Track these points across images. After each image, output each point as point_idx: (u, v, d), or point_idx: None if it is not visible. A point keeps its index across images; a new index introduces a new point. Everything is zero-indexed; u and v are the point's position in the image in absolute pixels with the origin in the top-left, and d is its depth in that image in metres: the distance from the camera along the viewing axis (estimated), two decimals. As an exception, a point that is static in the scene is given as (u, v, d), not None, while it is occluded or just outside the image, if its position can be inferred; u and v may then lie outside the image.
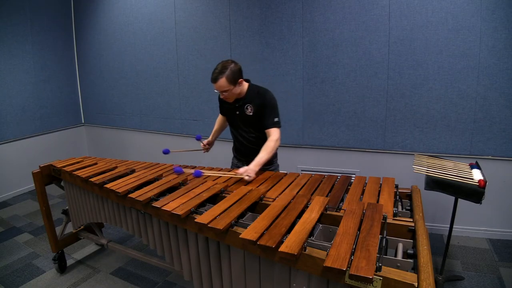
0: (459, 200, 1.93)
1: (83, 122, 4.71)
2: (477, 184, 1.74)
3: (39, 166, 2.31)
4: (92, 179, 1.87)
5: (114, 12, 3.99)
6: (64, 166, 2.20)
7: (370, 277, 0.86)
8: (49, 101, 4.20)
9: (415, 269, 0.95)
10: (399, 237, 1.16)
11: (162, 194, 1.62)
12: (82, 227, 2.52)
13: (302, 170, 3.13)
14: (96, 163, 2.26)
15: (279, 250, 1.01)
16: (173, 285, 2.25)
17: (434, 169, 1.92)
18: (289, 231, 1.12)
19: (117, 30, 4.01)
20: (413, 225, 1.16)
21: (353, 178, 1.70)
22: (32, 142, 4.02)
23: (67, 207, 2.42)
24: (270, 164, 2.13)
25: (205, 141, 2.35)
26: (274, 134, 1.91)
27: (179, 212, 1.36)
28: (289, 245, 1.02)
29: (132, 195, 1.58)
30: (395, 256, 1.06)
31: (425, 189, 1.89)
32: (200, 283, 1.46)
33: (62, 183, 2.38)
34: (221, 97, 1.95)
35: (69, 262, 2.54)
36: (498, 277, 2.20)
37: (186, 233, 1.44)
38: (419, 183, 1.68)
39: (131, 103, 4.13)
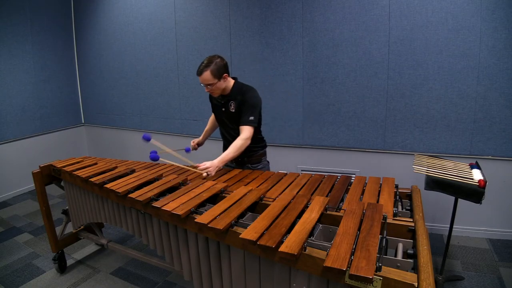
0: (459, 200, 1.93)
1: (83, 122, 4.71)
2: (477, 184, 1.74)
3: (39, 166, 2.31)
4: (92, 179, 1.87)
5: (114, 12, 3.99)
6: (64, 166, 2.20)
7: (370, 277, 0.86)
8: (49, 101, 4.20)
9: (415, 269, 0.95)
10: (399, 237, 1.16)
11: (162, 194, 1.62)
12: (82, 227, 2.52)
13: (302, 170, 3.13)
14: (96, 163, 2.26)
15: (279, 250, 1.01)
16: (173, 285, 2.25)
17: (434, 169, 1.92)
18: (289, 231, 1.12)
19: (117, 30, 4.01)
20: (413, 225, 1.16)
21: (353, 178, 1.70)
22: (32, 142, 4.02)
23: (67, 207, 2.42)
24: (258, 162, 2.15)
25: (195, 141, 2.36)
26: (245, 132, 1.91)
27: (179, 212, 1.36)
28: (289, 245, 1.02)
29: (132, 195, 1.58)
30: (395, 256, 1.06)
31: (425, 189, 1.89)
32: (200, 283, 1.46)
33: (62, 183, 2.38)
34: (206, 90, 1.96)
35: (69, 262, 2.54)
36: (498, 277, 2.20)
37: (186, 233, 1.44)
38: (419, 183, 1.68)
39: (131, 103, 4.13)
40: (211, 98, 2.17)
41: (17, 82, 3.82)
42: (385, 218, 1.20)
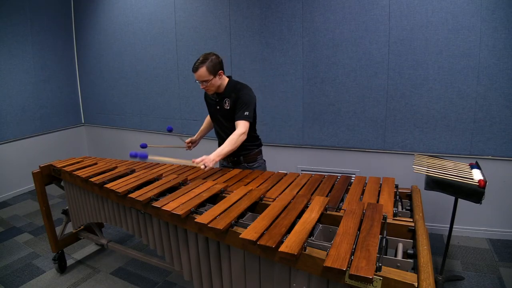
0: (459, 200, 1.93)
1: (83, 122, 4.71)
2: (477, 184, 1.74)
3: (39, 166, 2.31)
4: (92, 179, 1.87)
5: (114, 12, 3.99)
6: (64, 166, 2.20)
7: (370, 277, 0.86)
8: (49, 101, 4.20)
9: (415, 269, 0.95)
10: (399, 237, 1.16)
11: (162, 194, 1.62)
12: (82, 227, 2.52)
13: (302, 170, 3.13)
14: (96, 163, 2.26)
15: (279, 250, 1.01)
16: (173, 285, 2.25)
17: (434, 169, 1.92)
18: (289, 231, 1.12)
19: (117, 30, 4.01)
20: (413, 225, 1.16)
21: (353, 178, 1.69)
22: (32, 142, 4.02)
23: (67, 207, 2.42)
24: (254, 161, 2.15)
25: (188, 139, 2.37)
26: (240, 127, 1.92)
27: (179, 212, 1.36)
28: (289, 245, 1.02)
29: (132, 195, 1.58)
30: (395, 256, 1.06)
31: (425, 189, 1.89)
32: (200, 283, 1.46)
33: (62, 183, 2.38)
34: (201, 87, 1.96)
35: (69, 262, 2.54)
36: (498, 277, 2.20)
37: (186, 233, 1.44)
38: (419, 183, 1.68)
39: (131, 103, 4.13)
40: (206, 96, 2.17)
41: (17, 82, 3.82)
42: (385, 218, 1.20)
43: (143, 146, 2.39)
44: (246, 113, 1.93)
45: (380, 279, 0.88)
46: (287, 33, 2.98)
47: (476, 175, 1.85)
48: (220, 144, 2.22)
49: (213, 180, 1.79)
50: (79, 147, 4.69)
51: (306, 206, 1.34)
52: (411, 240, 1.12)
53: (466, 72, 2.48)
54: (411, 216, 1.27)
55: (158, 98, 3.87)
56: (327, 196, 1.50)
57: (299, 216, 1.24)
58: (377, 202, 1.37)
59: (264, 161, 2.24)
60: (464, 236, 2.72)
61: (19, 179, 3.89)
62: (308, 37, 2.91)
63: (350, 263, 0.92)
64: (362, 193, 1.50)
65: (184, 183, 1.77)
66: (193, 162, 1.83)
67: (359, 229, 1.10)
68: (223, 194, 1.57)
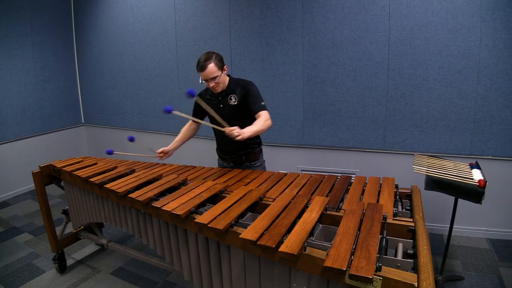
0: (459, 200, 1.93)
1: (83, 122, 4.71)
2: (477, 184, 1.74)
3: (39, 166, 2.31)
4: (92, 179, 1.87)
5: (114, 12, 3.99)
6: (64, 166, 2.20)
7: (370, 277, 0.86)
8: (49, 101, 4.20)
9: (415, 269, 0.95)
10: (399, 237, 1.16)
11: (162, 194, 1.62)
12: (82, 227, 2.52)
13: (302, 170, 3.13)
14: (96, 163, 2.26)
15: (279, 250, 1.01)
16: (173, 285, 2.25)
17: (434, 169, 1.92)
18: (289, 231, 1.12)
19: (117, 30, 4.01)
20: (413, 225, 1.16)
21: (353, 178, 1.70)
22: (32, 142, 4.02)
23: (67, 207, 2.42)
24: (256, 160, 2.15)
25: (160, 149, 2.20)
26: (264, 115, 1.92)
27: (179, 212, 1.36)
28: (289, 245, 1.02)
29: (132, 195, 1.58)
30: (395, 256, 1.06)
31: (425, 189, 1.89)
32: (200, 283, 1.46)
33: (62, 183, 2.38)
34: (210, 85, 1.92)
35: (69, 262, 2.54)
36: (498, 277, 2.20)
37: (186, 233, 1.44)
38: (419, 183, 1.68)
39: (131, 103, 4.13)
40: (202, 97, 2.06)
41: (17, 82, 3.82)
42: (385, 218, 1.20)
43: (131, 139, 2.23)
44: (263, 103, 1.96)
45: (380, 279, 0.88)
46: (287, 33, 2.98)
47: (476, 175, 1.85)
48: (220, 144, 2.21)
49: (213, 180, 1.79)
50: (79, 147, 4.69)
51: (306, 206, 1.34)
52: (411, 240, 1.12)
53: (466, 72, 2.48)
54: (411, 216, 1.27)
55: (158, 98, 3.87)
56: (327, 196, 1.50)
57: (299, 216, 1.24)
58: (377, 202, 1.38)
59: (264, 160, 2.24)
60: (464, 236, 2.72)
61: (19, 179, 3.89)
62: (308, 37, 2.91)
63: (350, 263, 0.92)
64: (362, 193, 1.50)
65: (184, 183, 1.77)
66: (226, 129, 1.75)
67: (359, 229, 1.10)
68: (223, 194, 1.57)
